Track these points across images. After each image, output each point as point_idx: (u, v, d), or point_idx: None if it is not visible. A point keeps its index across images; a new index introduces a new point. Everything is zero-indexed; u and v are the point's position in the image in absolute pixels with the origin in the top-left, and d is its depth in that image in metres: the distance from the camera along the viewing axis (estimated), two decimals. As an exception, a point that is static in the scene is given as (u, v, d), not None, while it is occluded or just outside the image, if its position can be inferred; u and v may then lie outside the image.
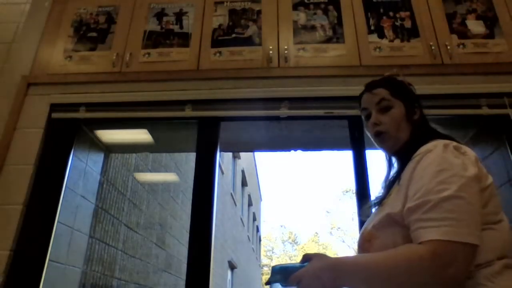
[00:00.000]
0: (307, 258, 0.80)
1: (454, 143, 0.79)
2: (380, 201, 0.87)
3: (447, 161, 0.74)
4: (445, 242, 0.66)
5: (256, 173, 16.89)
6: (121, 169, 3.37)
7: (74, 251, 2.13)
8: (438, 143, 0.79)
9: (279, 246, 29.71)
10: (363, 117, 1.01)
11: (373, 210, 0.96)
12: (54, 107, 1.99)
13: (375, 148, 1.02)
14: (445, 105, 1.83)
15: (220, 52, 2.02)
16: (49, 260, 1.79)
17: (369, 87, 0.99)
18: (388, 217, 0.77)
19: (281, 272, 0.82)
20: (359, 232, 0.93)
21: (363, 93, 1.01)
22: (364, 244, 0.80)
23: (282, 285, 0.83)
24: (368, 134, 1.00)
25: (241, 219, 11.62)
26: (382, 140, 0.95)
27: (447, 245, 0.66)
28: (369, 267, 0.72)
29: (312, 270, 0.75)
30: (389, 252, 0.73)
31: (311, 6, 2.11)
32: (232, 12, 2.14)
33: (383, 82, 0.98)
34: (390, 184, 0.88)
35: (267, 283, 0.87)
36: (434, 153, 0.77)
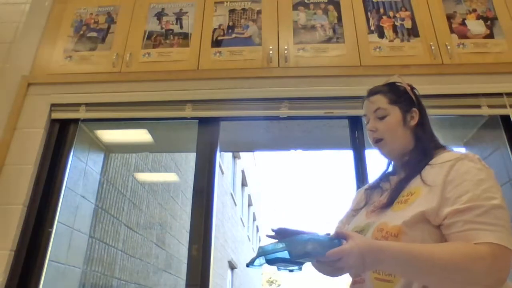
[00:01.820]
0: (340, 235, 0.75)
1: (477, 155, 0.84)
2: (393, 200, 0.87)
3: (483, 172, 0.80)
4: (501, 246, 0.71)
5: (256, 173, 16.89)
6: (121, 169, 3.37)
7: (74, 251, 2.14)
8: (467, 153, 0.85)
9: (279, 246, 29.65)
10: (365, 122, 1.03)
11: (371, 207, 0.95)
12: (54, 107, 1.99)
13: (375, 148, 1.03)
14: (445, 105, 1.82)
15: (220, 52, 2.02)
16: (49, 260, 1.79)
17: (369, 94, 1.02)
18: (421, 215, 0.79)
19: (314, 244, 0.72)
20: (363, 226, 0.92)
21: (365, 99, 1.03)
22: (388, 238, 0.80)
23: (295, 260, 0.73)
24: (368, 139, 1.02)
25: (241, 219, 11.62)
26: (379, 147, 0.98)
27: (503, 250, 0.71)
28: (423, 257, 0.72)
29: (357, 249, 0.70)
30: (444, 246, 0.75)
31: (311, 6, 2.11)
32: (232, 12, 2.14)
33: (382, 89, 1.00)
34: (402, 184, 0.89)
35: (266, 254, 0.76)
36: (468, 162, 0.82)
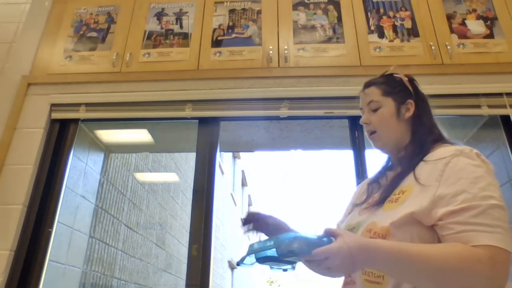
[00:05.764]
0: (330, 233, 0.71)
1: (475, 150, 0.80)
2: (385, 198, 0.84)
3: (481, 169, 0.76)
4: (500, 249, 0.67)
5: (256, 173, 16.89)
6: (121, 169, 3.37)
7: (74, 251, 2.14)
8: (463, 148, 0.80)
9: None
10: (362, 115, 1.01)
11: (363, 206, 0.92)
12: (54, 107, 1.99)
13: (371, 141, 1.01)
14: (445, 105, 1.82)
15: (220, 52, 2.02)
16: (49, 260, 1.79)
17: (364, 86, 1.00)
18: (410, 216, 0.75)
19: (300, 242, 0.67)
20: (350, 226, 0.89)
21: (360, 91, 1.02)
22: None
23: (282, 258, 0.68)
24: (365, 132, 1.00)
25: (241, 219, 11.59)
26: (373, 139, 0.96)
27: (502, 253, 0.67)
28: (416, 257, 0.68)
29: (347, 248, 0.66)
30: (439, 247, 0.71)
31: (311, 6, 2.11)
32: (232, 12, 2.14)
33: (376, 81, 0.99)
34: (395, 182, 0.86)
35: (253, 252, 0.71)
36: (464, 158, 0.77)
